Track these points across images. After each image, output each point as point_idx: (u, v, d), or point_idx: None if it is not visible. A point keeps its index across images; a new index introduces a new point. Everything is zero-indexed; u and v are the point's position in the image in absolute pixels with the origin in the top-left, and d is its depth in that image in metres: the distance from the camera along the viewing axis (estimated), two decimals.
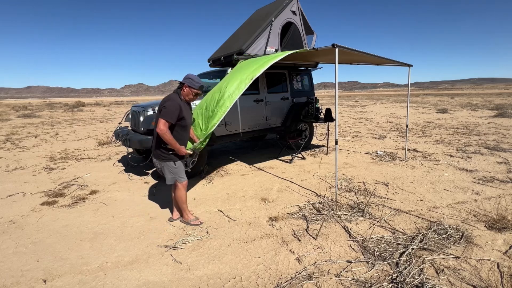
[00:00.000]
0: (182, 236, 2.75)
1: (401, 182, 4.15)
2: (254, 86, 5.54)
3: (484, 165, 4.89)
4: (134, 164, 5.38)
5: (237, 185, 4.24)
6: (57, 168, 5.39)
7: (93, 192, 4.01)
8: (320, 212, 3.16)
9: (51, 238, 2.75)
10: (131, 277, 2.13)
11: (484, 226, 2.74)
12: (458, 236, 2.53)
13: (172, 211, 3.22)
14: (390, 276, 2.04)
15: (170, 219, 3.10)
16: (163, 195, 3.84)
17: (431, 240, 2.48)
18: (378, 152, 6.06)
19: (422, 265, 2.14)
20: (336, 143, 3.41)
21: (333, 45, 3.16)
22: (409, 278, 1.98)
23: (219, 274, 2.15)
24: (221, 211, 3.30)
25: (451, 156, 5.62)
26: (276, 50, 5.59)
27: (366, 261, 2.24)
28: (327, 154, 6.14)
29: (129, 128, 5.24)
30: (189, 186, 4.09)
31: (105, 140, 7.96)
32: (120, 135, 4.85)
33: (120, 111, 23.07)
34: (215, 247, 2.53)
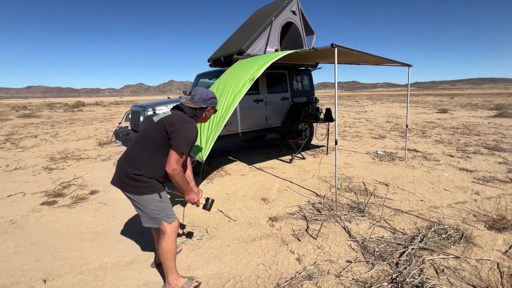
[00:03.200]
0: (182, 236, 2.75)
1: (401, 182, 4.15)
2: (254, 86, 5.54)
3: (484, 165, 4.89)
4: None
5: (237, 185, 4.24)
6: (57, 168, 5.39)
7: (93, 192, 4.01)
8: (320, 212, 3.16)
9: (51, 238, 2.75)
10: (131, 277, 2.13)
11: (484, 226, 2.74)
12: (458, 236, 2.53)
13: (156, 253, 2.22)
14: (390, 276, 2.04)
15: (153, 265, 2.26)
16: None
17: (431, 240, 2.48)
18: (378, 152, 6.06)
19: (422, 265, 2.13)
20: (336, 143, 3.41)
21: (332, 45, 3.16)
22: (409, 278, 1.98)
23: (219, 274, 2.15)
24: (221, 211, 3.30)
25: (451, 156, 5.62)
26: (276, 50, 5.59)
27: (366, 261, 2.24)
28: (327, 154, 6.14)
29: (129, 128, 5.25)
30: None
31: (105, 140, 7.95)
32: (120, 135, 4.85)
33: (120, 111, 23.06)
34: (215, 247, 2.53)
